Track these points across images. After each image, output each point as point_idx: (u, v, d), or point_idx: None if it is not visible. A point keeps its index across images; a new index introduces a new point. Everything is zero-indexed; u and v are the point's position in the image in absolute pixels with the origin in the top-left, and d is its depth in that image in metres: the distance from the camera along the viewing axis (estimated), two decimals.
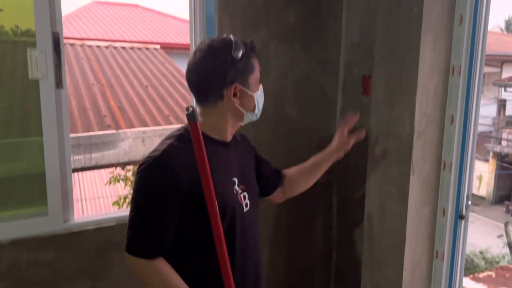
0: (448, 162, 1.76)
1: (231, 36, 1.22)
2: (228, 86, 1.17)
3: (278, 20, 2.09)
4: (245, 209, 1.26)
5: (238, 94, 1.19)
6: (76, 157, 3.58)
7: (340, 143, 1.53)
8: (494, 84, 14.70)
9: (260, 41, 2.05)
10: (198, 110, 1.23)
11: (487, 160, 14.04)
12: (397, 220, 1.78)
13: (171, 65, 6.52)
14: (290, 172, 1.57)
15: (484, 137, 14.20)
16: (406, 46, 1.70)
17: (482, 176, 13.57)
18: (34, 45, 1.64)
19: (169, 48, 8.13)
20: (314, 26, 2.22)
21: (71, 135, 1.99)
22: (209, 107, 1.20)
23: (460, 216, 1.77)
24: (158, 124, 4.40)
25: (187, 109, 1.00)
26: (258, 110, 1.27)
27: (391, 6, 1.76)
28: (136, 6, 12.53)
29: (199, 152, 1.01)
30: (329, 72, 2.30)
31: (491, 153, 13.92)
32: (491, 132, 14.84)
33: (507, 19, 23.35)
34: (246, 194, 1.27)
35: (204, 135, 1.10)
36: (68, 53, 5.71)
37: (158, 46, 7.22)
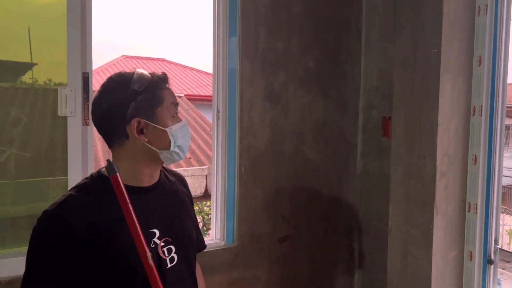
0: (473, 204, 1.71)
1: (138, 70, 1.08)
2: (129, 122, 1.03)
3: (297, 64, 2.15)
4: (169, 265, 1.07)
5: (145, 130, 1.04)
6: None
7: None
8: None
9: (279, 84, 2.10)
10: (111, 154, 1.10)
11: None
12: (421, 266, 1.71)
13: (194, 112, 6.69)
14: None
15: None
16: (425, 86, 1.71)
17: None
18: (65, 84, 1.73)
19: (193, 100, 8.38)
20: (332, 71, 2.27)
21: None
22: (117, 149, 1.07)
23: (488, 261, 1.69)
24: (179, 166, 4.44)
25: (107, 161, 0.96)
26: (178, 148, 1.07)
27: (408, 49, 1.79)
28: (163, 60, 13.10)
29: (124, 206, 0.94)
30: (348, 115, 2.32)
31: None
32: None
33: None
34: (172, 247, 1.08)
35: None
36: None
37: (182, 95, 7.46)
